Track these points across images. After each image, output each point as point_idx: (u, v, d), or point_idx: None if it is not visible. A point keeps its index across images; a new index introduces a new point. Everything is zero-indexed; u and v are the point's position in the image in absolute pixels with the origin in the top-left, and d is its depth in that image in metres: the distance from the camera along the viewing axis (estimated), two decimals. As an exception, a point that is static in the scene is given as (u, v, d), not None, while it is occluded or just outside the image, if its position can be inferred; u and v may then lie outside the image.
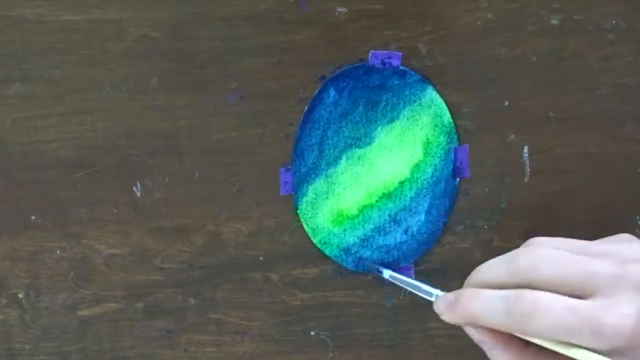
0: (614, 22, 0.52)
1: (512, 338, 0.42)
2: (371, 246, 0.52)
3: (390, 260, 0.52)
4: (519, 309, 0.39)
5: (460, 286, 0.53)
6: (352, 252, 0.52)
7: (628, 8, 0.52)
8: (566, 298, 0.39)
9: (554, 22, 0.52)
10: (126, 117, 0.49)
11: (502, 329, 0.41)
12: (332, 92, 0.50)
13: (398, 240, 0.52)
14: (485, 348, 0.42)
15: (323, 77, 0.50)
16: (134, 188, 0.49)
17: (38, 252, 0.49)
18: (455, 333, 0.53)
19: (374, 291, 0.52)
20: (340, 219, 0.51)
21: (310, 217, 0.51)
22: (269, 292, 0.51)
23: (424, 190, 0.52)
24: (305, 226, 0.51)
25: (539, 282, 0.40)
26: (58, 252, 0.49)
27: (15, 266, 0.49)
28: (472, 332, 0.43)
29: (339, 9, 0.50)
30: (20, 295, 0.49)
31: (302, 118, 0.50)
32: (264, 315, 0.51)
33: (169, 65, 0.49)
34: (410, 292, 0.48)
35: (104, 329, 0.50)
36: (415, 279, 0.52)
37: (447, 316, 0.44)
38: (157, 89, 0.49)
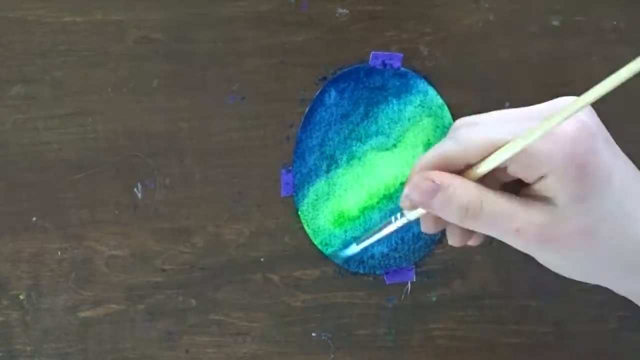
0: (614, 23, 0.52)
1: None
2: (372, 247, 0.52)
3: (391, 261, 0.52)
4: (459, 125, 0.40)
5: (460, 286, 0.53)
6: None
7: (628, 9, 0.52)
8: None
9: (555, 23, 0.52)
10: (127, 119, 0.49)
11: (449, 154, 0.40)
12: (333, 93, 0.50)
13: (399, 241, 0.52)
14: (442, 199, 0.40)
15: (324, 78, 0.50)
16: (135, 189, 0.49)
17: (39, 254, 0.49)
18: (457, 334, 0.53)
19: (375, 292, 0.52)
20: (341, 220, 0.51)
21: (311, 219, 0.51)
22: (270, 293, 0.51)
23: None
24: (306, 227, 0.51)
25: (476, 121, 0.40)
26: (59, 253, 0.49)
27: (16, 267, 0.49)
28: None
29: (340, 11, 0.50)
30: (21, 297, 0.49)
31: (303, 119, 0.50)
32: (265, 316, 0.51)
33: (170, 66, 0.49)
34: (382, 242, 0.47)
35: (105, 331, 0.50)
36: (417, 279, 0.52)
37: (408, 188, 0.41)
38: (158, 90, 0.49)
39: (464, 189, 0.39)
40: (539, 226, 0.39)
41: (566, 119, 0.37)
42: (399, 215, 0.42)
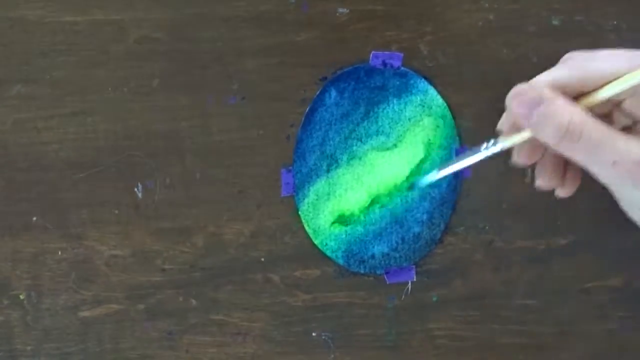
0: (614, 22, 0.52)
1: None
2: (372, 247, 0.52)
3: (392, 261, 0.52)
4: (580, 56, 0.39)
5: (460, 286, 0.53)
6: (354, 253, 0.52)
7: (628, 9, 0.52)
8: None
9: (555, 22, 0.52)
10: (127, 118, 0.49)
11: (569, 83, 0.38)
12: (333, 93, 0.50)
13: (399, 241, 0.52)
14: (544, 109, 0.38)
15: (324, 78, 0.50)
16: (135, 189, 0.49)
17: (39, 254, 0.49)
18: (457, 334, 0.53)
19: (375, 292, 0.52)
20: (341, 220, 0.51)
21: (312, 218, 0.51)
22: (270, 293, 0.51)
23: (425, 192, 0.52)
24: (306, 227, 0.51)
25: None
26: (59, 253, 0.49)
27: (16, 267, 0.49)
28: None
29: (340, 10, 0.50)
30: (21, 297, 0.49)
31: (303, 119, 0.50)
32: (266, 316, 0.51)
33: (170, 66, 0.49)
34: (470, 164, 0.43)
35: (106, 330, 0.50)
36: (417, 279, 0.52)
37: (510, 99, 0.39)
38: (158, 89, 0.49)
39: (568, 108, 0.37)
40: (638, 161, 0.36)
41: None
42: (492, 141, 0.40)
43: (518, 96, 0.38)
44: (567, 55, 0.39)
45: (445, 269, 0.53)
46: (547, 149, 0.39)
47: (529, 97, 0.37)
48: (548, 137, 0.37)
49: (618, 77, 0.36)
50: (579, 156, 0.37)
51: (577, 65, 0.38)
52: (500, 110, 0.52)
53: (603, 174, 0.37)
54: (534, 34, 0.52)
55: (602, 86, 0.37)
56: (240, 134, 0.50)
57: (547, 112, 0.37)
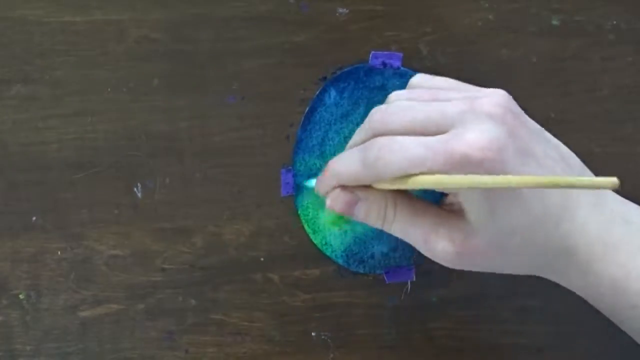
0: (614, 22, 0.52)
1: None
2: (372, 247, 0.52)
3: (391, 261, 0.52)
4: (374, 152, 0.40)
5: (460, 286, 0.53)
6: (354, 252, 0.52)
7: (628, 9, 0.52)
8: (419, 137, 0.40)
9: (555, 22, 0.52)
10: (127, 118, 0.49)
11: (362, 178, 0.42)
12: (333, 93, 0.50)
13: (399, 240, 0.52)
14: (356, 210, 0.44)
15: (324, 78, 0.50)
16: (135, 189, 0.49)
17: (39, 253, 0.49)
18: (457, 334, 0.53)
19: (375, 292, 0.52)
20: (341, 219, 0.51)
21: (311, 218, 0.51)
22: (269, 292, 0.51)
23: (425, 191, 0.52)
24: (306, 227, 0.51)
25: (391, 130, 0.41)
26: (59, 253, 0.49)
27: (16, 267, 0.49)
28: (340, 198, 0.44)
29: (340, 10, 0.50)
30: (21, 297, 0.49)
31: (302, 119, 0.50)
32: (265, 316, 0.51)
33: (170, 66, 0.49)
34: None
35: (105, 330, 0.50)
36: (417, 279, 0.52)
37: (320, 188, 0.45)
38: (158, 90, 0.49)
39: (380, 200, 0.43)
40: (447, 245, 0.41)
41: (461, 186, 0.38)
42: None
43: (337, 199, 0.44)
44: (372, 115, 0.43)
45: (445, 269, 0.52)
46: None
47: (346, 199, 0.44)
48: (374, 224, 0.44)
49: (406, 181, 0.40)
50: (400, 235, 0.44)
51: (370, 163, 0.41)
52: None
53: (422, 250, 0.43)
54: (534, 34, 0.52)
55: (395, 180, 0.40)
56: (239, 133, 0.50)
57: (365, 207, 0.43)
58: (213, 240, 0.50)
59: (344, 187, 0.43)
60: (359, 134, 0.44)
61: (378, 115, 0.42)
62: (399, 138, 0.40)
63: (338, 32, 0.50)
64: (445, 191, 0.43)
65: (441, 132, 0.39)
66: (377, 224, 0.44)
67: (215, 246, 0.50)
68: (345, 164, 0.43)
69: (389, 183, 0.41)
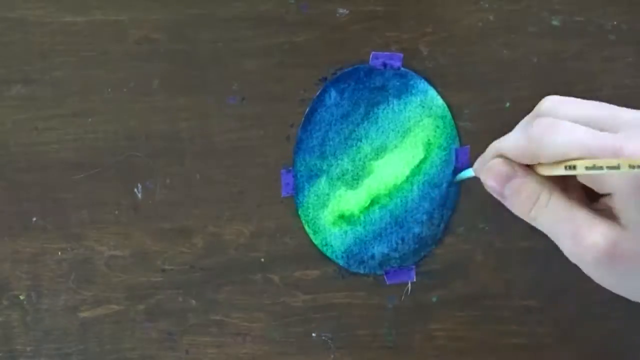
0: (614, 23, 0.52)
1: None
2: (372, 247, 0.52)
3: (392, 261, 0.52)
4: (541, 128, 0.39)
5: (460, 286, 0.53)
6: (354, 253, 0.52)
7: (629, 9, 0.52)
8: (588, 127, 0.38)
9: (555, 23, 0.52)
10: (127, 119, 0.49)
11: (524, 153, 0.40)
12: (333, 94, 0.50)
13: (399, 241, 0.52)
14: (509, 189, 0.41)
15: (324, 79, 0.50)
16: (135, 190, 0.49)
17: (39, 254, 0.49)
18: (457, 334, 0.53)
19: (375, 292, 0.52)
20: (341, 220, 0.51)
21: (312, 219, 0.51)
22: (270, 293, 0.51)
23: (425, 192, 0.52)
24: (306, 227, 0.51)
25: (559, 117, 0.39)
26: (59, 253, 0.49)
27: (16, 268, 0.49)
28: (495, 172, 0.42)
29: (340, 11, 0.50)
30: (21, 297, 0.49)
31: (303, 119, 0.50)
32: (265, 316, 0.51)
33: (170, 66, 0.49)
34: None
35: (105, 331, 0.50)
36: (417, 280, 0.52)
37: (479, 163, 0.44)
38: (158, 90, 0.49)
39: (536, 182, 0.40)
40: (600, 240, 0.39)
41: None
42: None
43: (490, 171, 0.41)
44: (536, 112, 0.41)
45: (445, 269, 0.53)
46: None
47: (500, 171, 0.41)
48: (517, 208, 0.41)
49: (568, 160, 0.38)
50: (542, 227, 0.40)
51: (538, 137, 0.39)
52: (501, 110, 0.52)
53: (566, 248, 0.40)
54: (534, 34, 0.52)
55: (558, 163, 0.38)
56: (240, 134, 0.50)
57: (517, 185, 0.41)
58: (213, 241, 0.50)
59: (504, 159, 0.41)
60: (525, 118, 0.42)
61: (549, 102, 0.41)
62: (568, 122, 0.38)
63: (338, 32, 0.50)
64: (601, 190, 0.40)
65: (609, 131, 0.38)
66: (524, 207, 0.41)
67: (216, 247, 0.50)
68: (510, 137, 0.41)
69: (548, 168, 0.39)
